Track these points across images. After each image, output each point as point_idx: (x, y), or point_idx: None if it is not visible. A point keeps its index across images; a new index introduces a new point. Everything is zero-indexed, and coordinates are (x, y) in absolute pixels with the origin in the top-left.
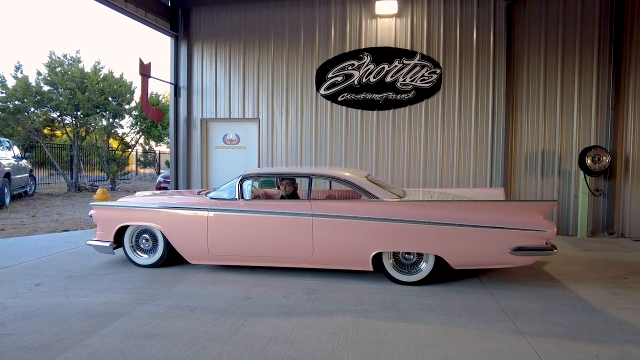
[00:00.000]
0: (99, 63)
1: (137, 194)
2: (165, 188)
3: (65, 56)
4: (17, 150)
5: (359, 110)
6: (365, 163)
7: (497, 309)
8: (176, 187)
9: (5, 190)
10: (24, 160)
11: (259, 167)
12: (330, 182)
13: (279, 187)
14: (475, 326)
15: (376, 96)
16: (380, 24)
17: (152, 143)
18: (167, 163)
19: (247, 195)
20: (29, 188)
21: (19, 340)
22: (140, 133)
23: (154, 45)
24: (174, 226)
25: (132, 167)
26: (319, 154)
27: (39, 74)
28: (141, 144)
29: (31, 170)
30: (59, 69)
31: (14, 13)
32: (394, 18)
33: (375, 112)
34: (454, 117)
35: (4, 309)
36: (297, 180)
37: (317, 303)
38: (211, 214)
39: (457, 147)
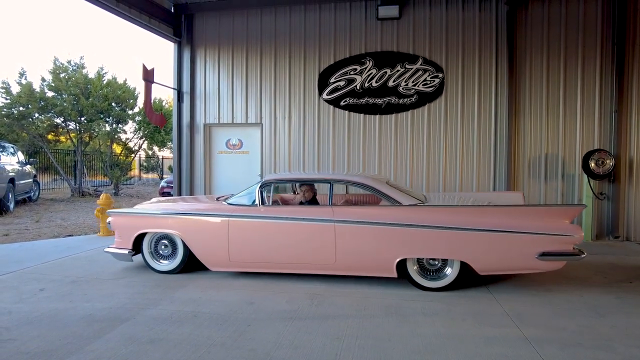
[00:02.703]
0: (102, 69)
1: (153, 200)
2: (169, 193)
3: (69, 62)
4: (21, 156)
5: (362, 115)
6: (367, 168)
7: (501, 314)
8: (179, 193)
9: (10, 196)
10: (28, 166)
11: (261, 172)
12: (347, 187)
13: (294, 192)
14: (479, 331)
15: (378, 101)
16: (383, 29)
17: (155, 148)
18: (170, 168)
19: (267, 201)
20: (32, 193)
21: (22, 346)
22: (144, 138)
23: (158, 51)
24: (194, 233)
25: (136, 172)
26: (321, 159)
27: (43, 80)
28: (144, 149)
29: (35, 176)
30: (63, 75)
31: (18, 19)
32: (396, 22)
33: (377, 116)
34: (456, 122)
35: (9, 314)
36: (316, 185)
37: (320, 308)
38: (232, 220)
39: (460, 151)
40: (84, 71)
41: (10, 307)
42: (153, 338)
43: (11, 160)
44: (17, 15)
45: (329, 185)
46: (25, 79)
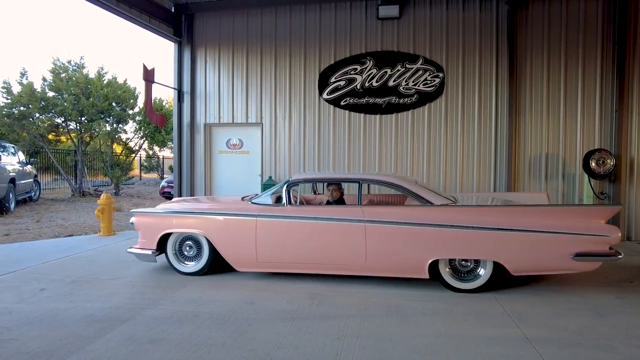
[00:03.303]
0: (102, 69)
1: (174, 199)
2: (169, 193)
3: (69, 62)
4: (22, 156)
5: (362, 115)
6: (368, 167)
7: (502, 314)
8: (179, 193)
9: (10, 196)
10: (29, 166)
11: (262, 172)
12: (368, 186)
13: (315, 192)
14: (480, 331)
15: (379, 100)
16: (383, 28)
17: (156, 148)
18: (171, 168)
19: (294, 201)
20: (33, 193)
21: (23, 346)
22: (144, 138)
23: (158, 51)
24: (221, 233)
25: (136, 172)
26: (322, 159)
27: (44, 80)
28: (145, 149)
29: (36, 176)
30: (64, 75)
31: (19, 20)
32: (397, 22)
33: (378, 116)
34: (457, 121)
35: (9, 314)
36: (341, 185)
37: (321, 308)
38: (259, 220)
39: (461, 151)
40: (85, 71)
41: (10, 307)
42: (153, 338)
43: (12, 160)
44: (17, 15)
45: (357, 185)
46: (26, 79)
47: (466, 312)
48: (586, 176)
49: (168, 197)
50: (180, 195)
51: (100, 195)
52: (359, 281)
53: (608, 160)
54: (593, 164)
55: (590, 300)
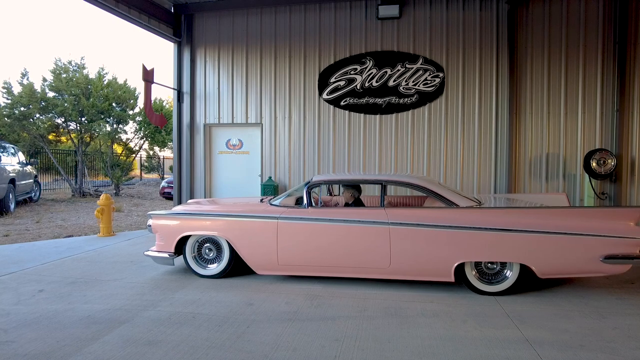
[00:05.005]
0: (103, 69)
1: (189, 201)
2: (169, 193)
3: (70, 63)
4: (22, 156)
5: (362, 115)
6: (368, 168)
7: (502, 315)
8: (179, 193)
9: (10, 196)
10: (29, 166)
11: (262, 172)
12: (383, 187)
13: (330, 194)
14: (480, 333)
15: (379, 100)
16: (383, 28)
17: (156, 148)
18: (171, 168)
19: (315, 203)
20: (33, 194)
21: (20, 348)
22: (144, 138)
23: (158, 51)
24: (242, 235)
25: (136, 172)
26: (322, 159)
27: (44, 80)
28: (145, 149)
29: (36, 176)
30: (64, 75)
31: (20, 20)
32: (397, 22)
33: (378, 116)
34: (457, 121)
35: (7, 315)
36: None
37: (319, 309)
38: (281, 222)
39: (461, 151)
40: (85, 71)
41: (8, 309)
42: (151, 340)
43: (12, 161)
44: (18, 15)
45: (378, 186)
46: (27, 79)
47: (466, 314)
48: (587, 176)
49: (168, 197)
50: (179, 196)
51: (100, 196)
52: (358, 282)
53: (609, 160)
54: (594, 164)
55: (591, 301)
